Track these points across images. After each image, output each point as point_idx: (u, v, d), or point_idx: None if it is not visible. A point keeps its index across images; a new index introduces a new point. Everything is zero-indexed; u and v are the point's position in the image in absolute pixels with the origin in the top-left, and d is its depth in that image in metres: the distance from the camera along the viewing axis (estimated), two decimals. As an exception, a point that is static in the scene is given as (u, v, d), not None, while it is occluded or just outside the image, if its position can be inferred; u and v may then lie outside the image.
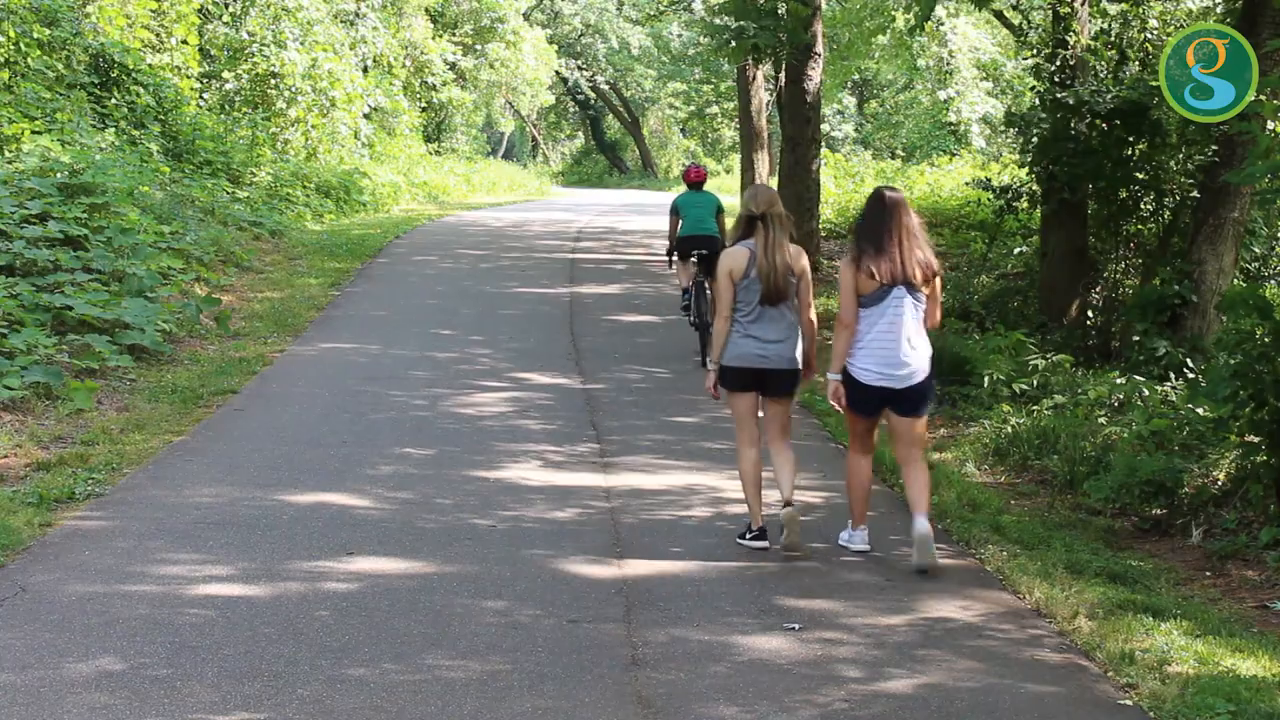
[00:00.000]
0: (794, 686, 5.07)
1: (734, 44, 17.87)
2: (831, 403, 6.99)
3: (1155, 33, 13.14)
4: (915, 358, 6.66)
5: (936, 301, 6.80)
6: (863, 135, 42.28)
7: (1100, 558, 6.93)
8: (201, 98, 24.22)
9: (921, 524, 6.59)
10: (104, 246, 12.49)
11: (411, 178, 31.86)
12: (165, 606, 5.64)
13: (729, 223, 10.91)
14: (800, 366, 6.90)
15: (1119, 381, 10.19)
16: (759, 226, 6.78)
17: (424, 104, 38.17)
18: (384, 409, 9.89)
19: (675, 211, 12.59)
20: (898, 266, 6.62)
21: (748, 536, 6.90)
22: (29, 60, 17.31)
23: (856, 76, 38.96)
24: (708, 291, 11.85)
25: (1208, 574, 6.96)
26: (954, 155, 31.24)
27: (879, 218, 6.71)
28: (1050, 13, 14.17)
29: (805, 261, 6.87)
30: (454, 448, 8.81)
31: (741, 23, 17.50)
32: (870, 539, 6.97)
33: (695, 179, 12.77)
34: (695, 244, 12.34)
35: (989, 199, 14.54)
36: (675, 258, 12.68)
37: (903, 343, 6.63)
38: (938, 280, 6.78)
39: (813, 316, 6.92)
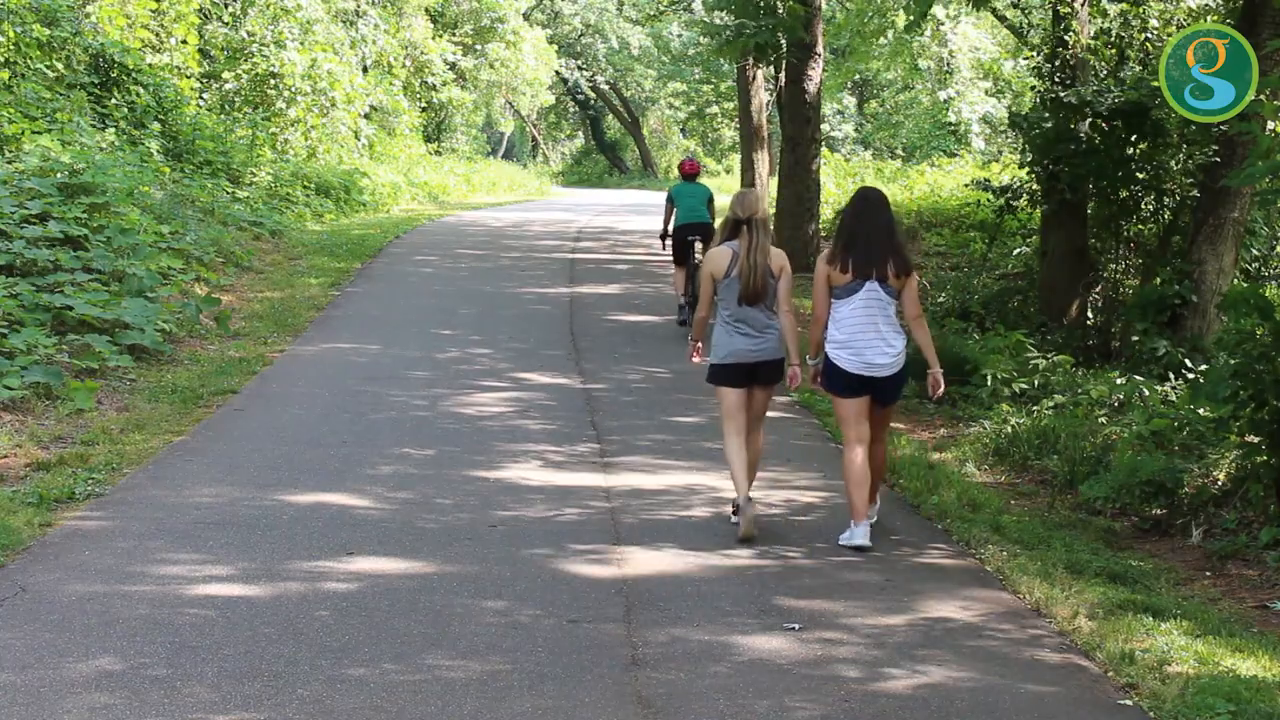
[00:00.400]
0: (794, 686, 5.07)
1: (730, 42, 17.93)
2: (810, 385, 7.52)
3: (1155, 33, 13.15)
4: (889, 348, 6.96)
5: (913, 296, 7.08)
6: (863, 135, 42.25)
7: (1100, 558, 6.94)
8: (201, 98, 24.23)
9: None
10: (104, 246, 12.49)
11: (411, 178, 31.86)
12: (165, 606, 5.64)
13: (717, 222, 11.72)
14: (783, 356, 7.25)
15: (1119, 381, 10.20)
16: (743, 231, 7.14)
17: (424, 104, 38.17)
18: (384, 409, 9.88)
19: (671, 200, 14.03)
20: (870, 262, 6.95)
21: (734, 517, 7.17)
22: (29, 60, 17.31)
23: (857, 77, 38.96)
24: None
25: (1208, 574, 6.96)
26: (954, 155, 31.24)
27: (856, 215, 7.08)
28: (1050, 12, 14.17)
29: (785, 263, 7.21)
30: (454, 448, 8.81)
31: (741, 20, 17.55)
32: (871, 535, 7.00)
33: (690, 171, 14.21)
34: (690, 230, 13.76)
35: (989, 199, 14.54)
36: (672, 252, 14.04)
37: (877, 335, 6.95)
38: (912, 277, 7.06)
39: (790, 311, 7.22)
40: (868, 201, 7.11)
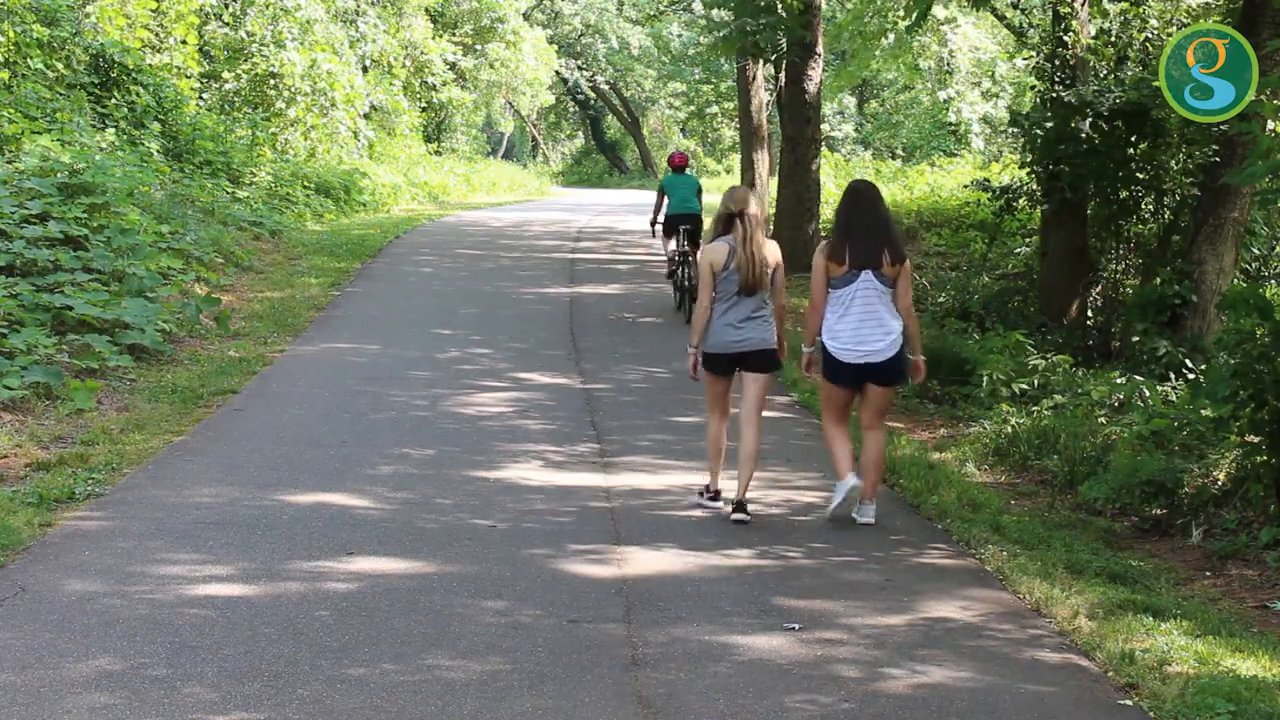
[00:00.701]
0: (794, 686, 5.07)
1: (728, 39, 17.98)
2: (804, 372, 7.88)
3: (1155, 33, 13.14)
4: (887, 334, 7.22)
5: (907, 285, 7.34)
6: (863, 135, 42.26)
7: (1100, 558, 6.93)
8: (201, 98, 24.23)
9: (853, 480, 7.21)
10: (104, 246, 12.48)
11: (411, 178, 31.86)
12: (165, 606, 5.64)
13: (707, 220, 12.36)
14: (775, 345, 7.49)
15: (1119, 381, 10.19)
16: (736, 224, 7.38)
17: (424, 104, 38.18)
18: (384, 409, 9.88)
19: (662, 191, 14.95)
20: (865, 253, 7.21)
21: (704, 497, 7.60)
22: (29, 60, 17.31)
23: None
24: (690, 260, 14.28)
25: (1208, 574, 6.96)
26: (954, 155, 31.23)
27: (851, 209, 7.35)
28: (1050, 12, 14.17)
29: (779, 255, 7.50)
30: (454, 448, 8.81)
31: (742, 17, 17.57)
32: (854, 505, 7.38)
33: (679, 163, 15.25)
34: (681, 220, 14.66)
35: (989, 199, 14.54)
36: (662, 231, 15.05)
37: (874, 322, 7.21)
38: (906, 265, 7.33)
39: (784, 302, 7.61)
40: (860, 194, 7.40)
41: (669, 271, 15.25)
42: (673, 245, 14.84)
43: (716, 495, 7.59)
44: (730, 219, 7.40)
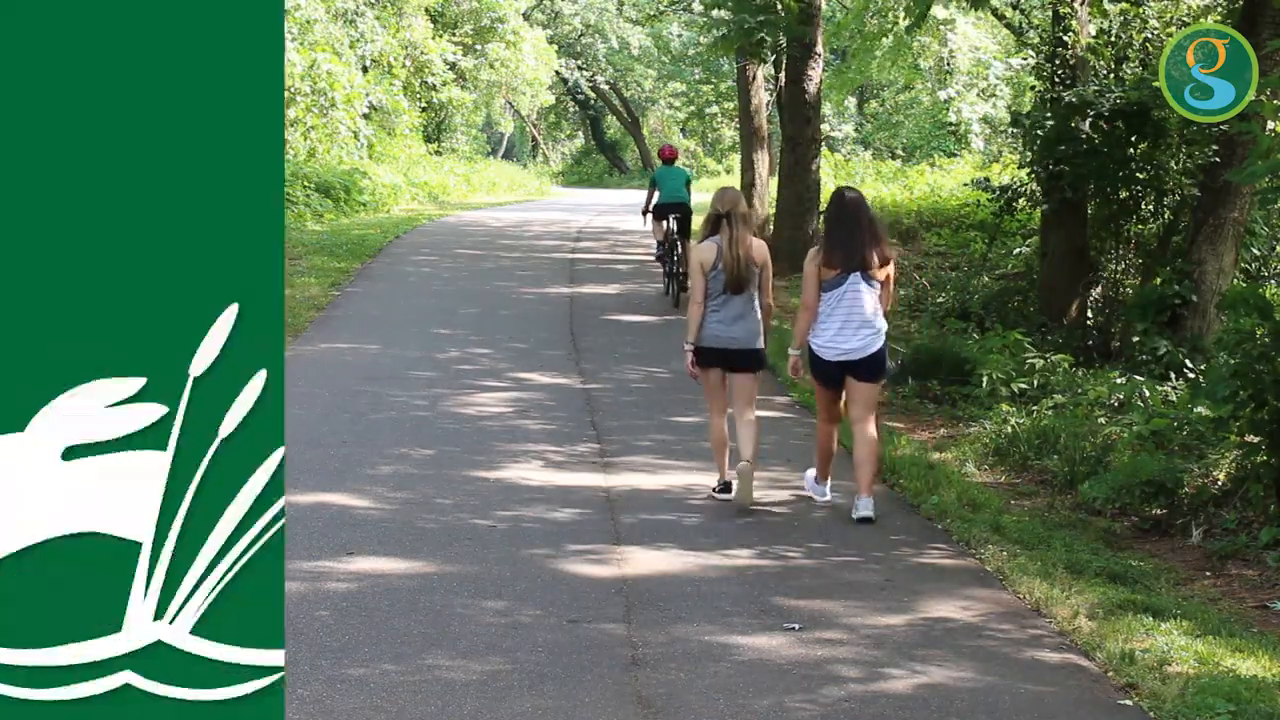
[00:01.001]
0: (794, 686, 5.07)
1: (727, 37, 18.01)
2: (790, 375, 8.29)
3: (1155, 33, 13.14)
4: (870, 333, 7.51)
5: (890, 285, 7.72)
6: (863, 135, 42.21)
7: (1100, 558, 6.93)
8: (201, 98, 24.22)
9: (826, 496, 7.80)
10: (104, 246, 12.48)
11: (411, 178, 31.86)
12: (165, 606, 5.63)
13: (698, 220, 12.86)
14: (762, 345, 7.80)
15: (1119, 381, 10.19)
16: (724, 224, 7.64)
17: (424, 104, 38.18)
18: (384, 409, 9.89)
19: (654, 183, 16.03)
20: (855, 256, 7.48)
21: (717, 490, 7.81)
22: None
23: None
24: (679, 249, 15.30)
25: (1208, 574, 6.96)
26: (954, 156, 31.22)
27: (839, 214, 7.64)
28: (1050, 12, 14.17)
29: (766, 255, 7.80)
30: (454, 448, 8.81)
31: (741, 15, 17.59)
32: (833, 492, 7.84)
33: (669, 156, 16.33)
34: (671, 209, 15.63)
35: (988, 199, 14.54)
36: (653, 219, 15.93)
37: (856, 321, 7.49)
38: (891, 266, 7.67)
39: (770, 302, 7.89)
40: (846, 200, 7.69)
41: (657, 256, 16.25)
42: (662, 232, 15.69)
43: (727, 487, 7.72)
44: (718, 220, 7.65)
